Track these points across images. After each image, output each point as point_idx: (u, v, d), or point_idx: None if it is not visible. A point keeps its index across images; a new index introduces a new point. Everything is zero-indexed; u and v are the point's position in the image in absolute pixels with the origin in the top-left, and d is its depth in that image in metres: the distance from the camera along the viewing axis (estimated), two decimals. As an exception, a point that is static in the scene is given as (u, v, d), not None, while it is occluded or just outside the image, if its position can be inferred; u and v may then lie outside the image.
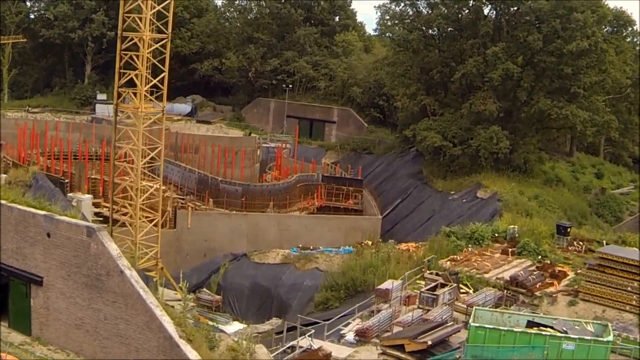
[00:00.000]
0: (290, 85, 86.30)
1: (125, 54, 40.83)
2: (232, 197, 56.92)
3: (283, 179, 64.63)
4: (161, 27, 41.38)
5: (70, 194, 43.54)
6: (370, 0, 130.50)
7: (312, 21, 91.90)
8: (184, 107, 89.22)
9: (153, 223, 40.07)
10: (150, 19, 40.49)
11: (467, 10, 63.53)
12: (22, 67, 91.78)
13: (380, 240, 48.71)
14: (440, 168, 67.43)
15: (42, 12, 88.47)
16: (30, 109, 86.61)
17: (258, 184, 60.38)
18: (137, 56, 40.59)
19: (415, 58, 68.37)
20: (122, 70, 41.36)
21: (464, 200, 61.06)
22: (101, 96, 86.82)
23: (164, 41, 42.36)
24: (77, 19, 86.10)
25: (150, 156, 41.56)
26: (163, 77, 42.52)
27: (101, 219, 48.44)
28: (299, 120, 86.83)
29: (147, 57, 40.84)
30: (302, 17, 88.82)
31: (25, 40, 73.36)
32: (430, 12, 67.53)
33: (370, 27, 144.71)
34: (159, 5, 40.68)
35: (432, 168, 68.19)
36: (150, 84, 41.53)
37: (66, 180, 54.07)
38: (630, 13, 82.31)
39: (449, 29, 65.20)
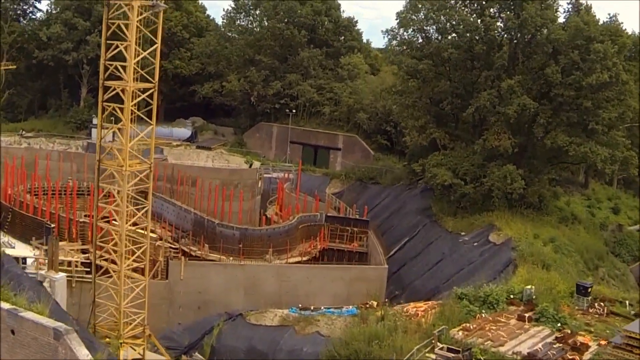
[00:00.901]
0: (294, 111, 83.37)
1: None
2: (229, 242, 54.00)
3: (284, 219, 61.68)
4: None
5: (43, 273, 40.59)
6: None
7: (316, 42, 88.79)
8: (184, 131, 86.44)
9: (140, 288, 37.09)
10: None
11: (480, 40, 60.24)
12: (16, 88, 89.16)
13: (386, 300, 45.62)
14: (450, 205, 64.31)
15: (35, 32, 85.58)
16: (24, 132, 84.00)
17: (257, 228, 57.38)
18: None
19: (424, 88, 65.40)
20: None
21: (475, 244, 58.05)
22: (97, 120, 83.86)
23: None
24: (71, 40, 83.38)
25: (139, 214, 38.50)
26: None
27: (88, 269, 45.85)
28: (303, 146, 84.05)
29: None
30: (306, 39, 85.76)
31: (15, 67, 70.73)
32: (440, 38, 64.45)
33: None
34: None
35: (442, 205, 65.09)
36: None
37: (52, 226, 51.35)
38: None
39: (461, 58, 61.85)
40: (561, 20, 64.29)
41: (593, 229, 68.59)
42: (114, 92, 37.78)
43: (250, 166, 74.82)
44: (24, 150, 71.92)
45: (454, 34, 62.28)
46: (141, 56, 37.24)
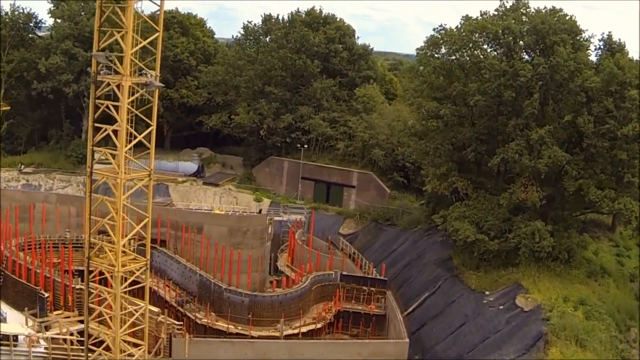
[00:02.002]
0: (306, 146, 79.64)
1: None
2: (238, 310, 50.50)
3: (296, 274, 58.15)
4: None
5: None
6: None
7: (330, 71, 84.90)
8: (190, 165, 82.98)
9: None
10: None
11: (508, 85, 56.31)
12: (16, 118, 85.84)
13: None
14: (472, 257, 60.54)
15: (35, 60, 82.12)
16: (23, 167, 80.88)
17: (267, 294, 53.67)
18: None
19: (446, 132, 61.47)
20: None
21: (501, 307, 54.32)
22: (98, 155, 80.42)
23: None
24: (71, 72, 79.97)
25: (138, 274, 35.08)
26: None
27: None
28: (315, 182, 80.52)
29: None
30: (319, 69, 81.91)
31: (9, 107, 67.18)
32: (464, 79, 60.56)
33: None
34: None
35: (464, 257, 61.37)
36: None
37: (47, 295, 48.02)
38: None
39: (488, 104, 57.90)
40: (593, 58, 60.70)
41: (623, 282, 64.85)
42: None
43: (260, 212, 71.19)
44: (21, 194, 68.58)
45: (479, 81, 58.17)
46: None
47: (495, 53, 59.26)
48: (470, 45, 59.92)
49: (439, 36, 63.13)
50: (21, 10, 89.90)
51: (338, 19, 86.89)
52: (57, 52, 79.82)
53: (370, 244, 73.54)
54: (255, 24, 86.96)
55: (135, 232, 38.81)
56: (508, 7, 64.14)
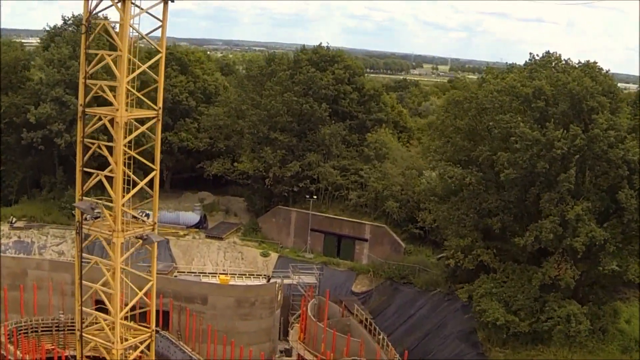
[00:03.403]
0: (315, 197, 74.97)
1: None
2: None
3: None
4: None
5: None
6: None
7: (339, 114, 79.94)
8: (191, 216, 78.25)
9: None
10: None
11: (542, 157, 51.74)
12: (6, 165, 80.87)
13: None
14: (499, 333, 56.10)
15: (24, 105, 77.11)
16: (14, 220, 76.04)
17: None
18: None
19: (471, 201, 56.92)
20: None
21: (535, 399, 50.12)
22: (97, 208, 75.54)
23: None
24: (63, 120, 74.99)
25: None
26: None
27: None
28: (325, 235, 75.78)
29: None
30: (327, 113, 77.00)
31: (2, 167, 62.56)
32: (491, 142, 55.99)
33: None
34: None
35: (489, 332, 56.89)
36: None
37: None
38: None
39: (518, 176, 53.27)
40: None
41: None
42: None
43: (268, 279, 66.64)
44: (12, 260, 64.04)
45: (508, 150, 53.52)
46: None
47: (525, 117, 54.44)
48: (496, 105, 55.30)
49: (461, 94, 58.73)
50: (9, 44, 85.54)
51: (346, 56, 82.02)
52: (48, 99, 74.81)
53: (385, 306, 69.08)
54: (260, 66, 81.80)
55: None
56: (537, 60, 59.84)
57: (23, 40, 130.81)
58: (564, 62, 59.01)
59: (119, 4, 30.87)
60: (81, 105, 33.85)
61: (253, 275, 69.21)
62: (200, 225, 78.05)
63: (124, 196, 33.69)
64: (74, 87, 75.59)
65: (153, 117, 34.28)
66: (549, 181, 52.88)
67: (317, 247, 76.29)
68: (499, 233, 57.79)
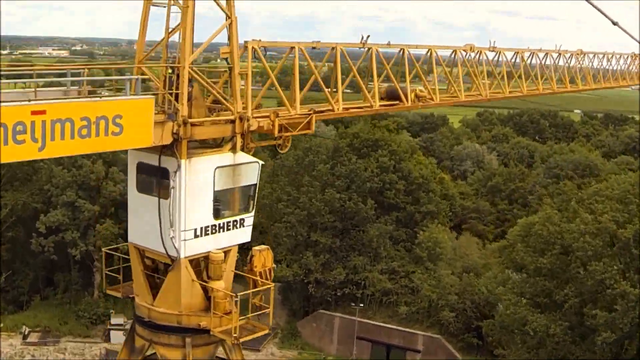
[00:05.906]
0: (362, 305, 68.17)
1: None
2: None
3: None
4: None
5: None
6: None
7: (385, 206, 72.27)
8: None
9: None
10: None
11: None
12: (15, 264, 73.70)
13: None
14: None
15: (31, 204, 69.97)
16: (27, 331, 69.26)
17: None
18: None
19: (556, 353, 50.17)
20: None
21: None
22: (117, 319, 68.86)
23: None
24: (76, 227, 67.89)
25: None
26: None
27: None
28: (372, 344, 69.03)
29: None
30: (373, 210, 69.59)
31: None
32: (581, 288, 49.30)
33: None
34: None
35: None
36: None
37: None
38: None
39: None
40: None
41: None
42: None
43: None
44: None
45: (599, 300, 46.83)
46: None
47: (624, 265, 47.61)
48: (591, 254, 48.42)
49: (544, 229, 51.93)
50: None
51: (390, 139, 73.97)
52: (58, 204, 67.53)
53: None
54: (295, 155, 73.67)
55: None
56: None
57: (33, 51, 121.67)
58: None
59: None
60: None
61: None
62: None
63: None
64: (89, 189, 68.84)
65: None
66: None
67: (364, 356, 69.67)
68: None
